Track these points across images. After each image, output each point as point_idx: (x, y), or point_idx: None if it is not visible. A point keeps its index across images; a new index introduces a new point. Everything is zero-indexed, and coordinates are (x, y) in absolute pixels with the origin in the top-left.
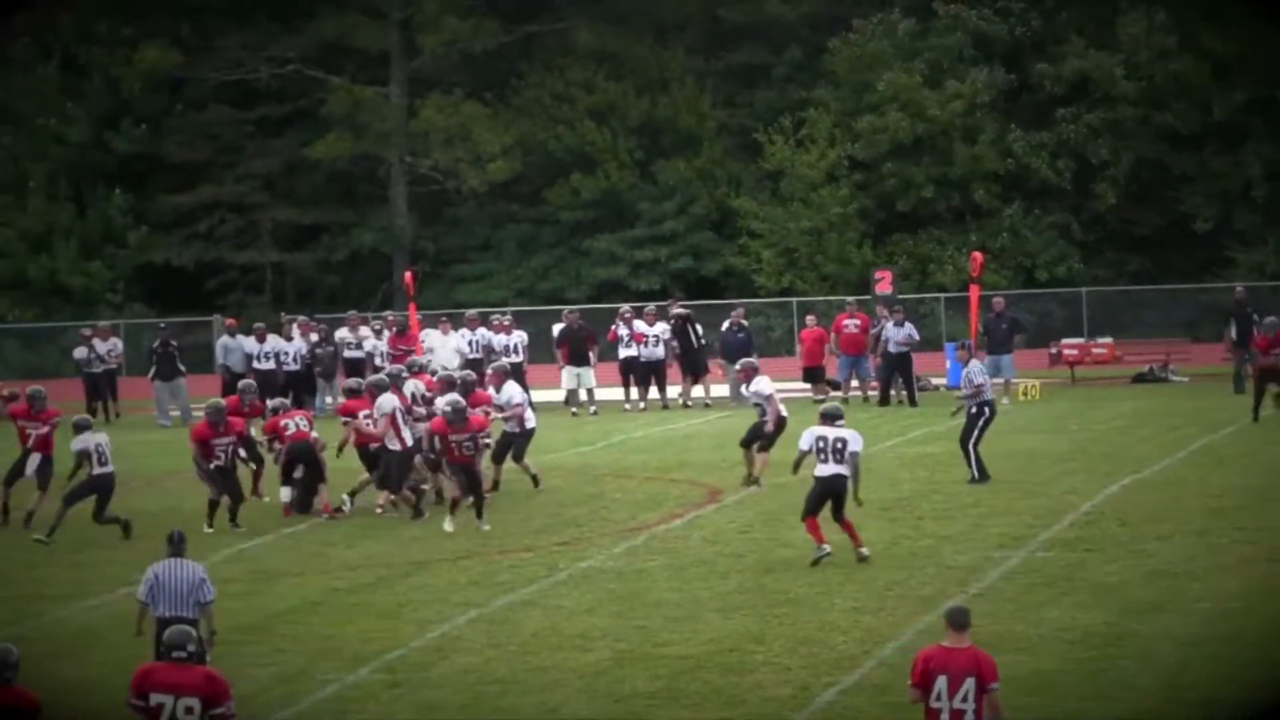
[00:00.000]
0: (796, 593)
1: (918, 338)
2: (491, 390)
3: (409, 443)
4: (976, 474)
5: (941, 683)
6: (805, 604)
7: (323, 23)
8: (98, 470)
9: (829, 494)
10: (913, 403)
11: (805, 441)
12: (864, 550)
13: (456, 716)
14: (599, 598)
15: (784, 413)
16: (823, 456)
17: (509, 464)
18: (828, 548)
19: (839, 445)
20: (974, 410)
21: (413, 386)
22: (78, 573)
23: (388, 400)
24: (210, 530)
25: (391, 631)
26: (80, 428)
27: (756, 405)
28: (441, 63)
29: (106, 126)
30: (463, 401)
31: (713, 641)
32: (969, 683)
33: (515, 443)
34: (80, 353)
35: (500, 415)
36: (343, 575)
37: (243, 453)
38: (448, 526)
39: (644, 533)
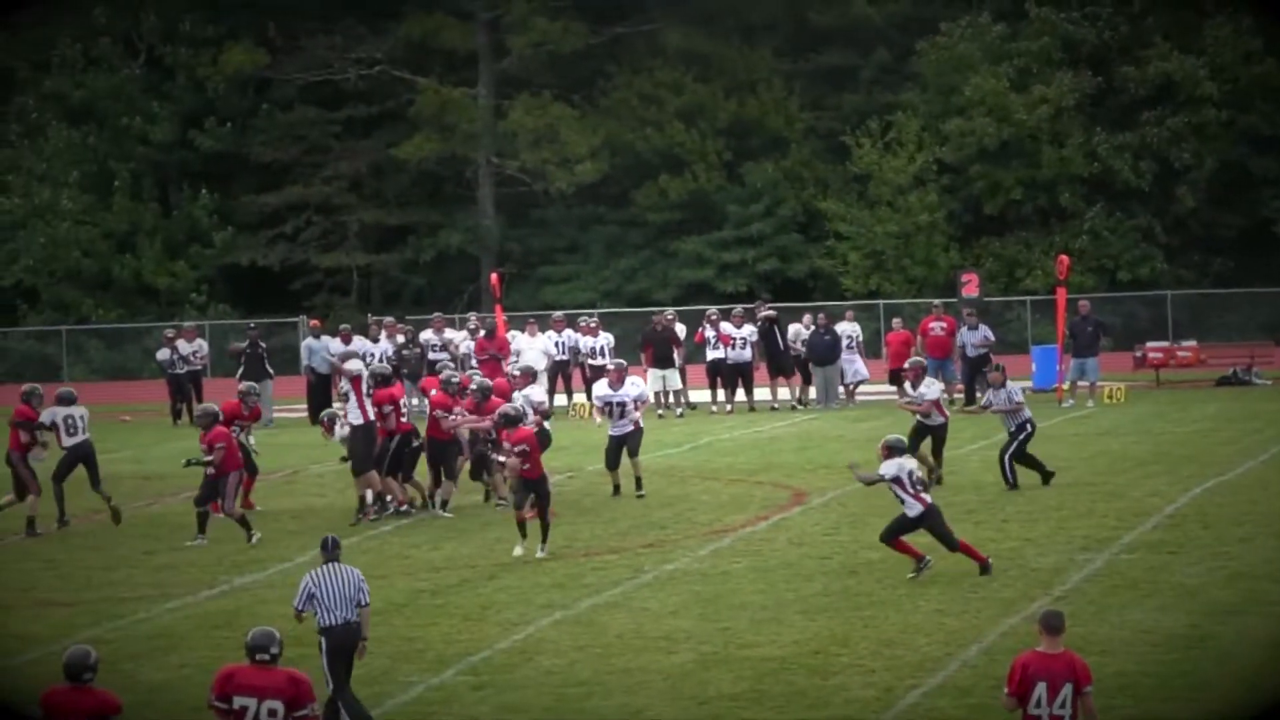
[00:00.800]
0: (880, 595)
1: (993, 339)
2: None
3: (370, 417)
4: (1011, 483)
5: (1041, 689)
6: (889, 606)
7: (410, 23)
8: (68, 441)
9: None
10: (970, 400)
11: (889, 471)
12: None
13: (540, 718)
14: (684, 600)
15: (639, 420)
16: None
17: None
18: (929, 559)
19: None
20: (1014, 428)
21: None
22: (158, 575)
23: (354, 365)
24: (202, 540)
25: (476, 633)
26: (62, 400)
27: (607, 406)
28: (529, 64)
29: (191, 126)
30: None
31: (797, 643)
32: (1067, 689)
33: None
34: (163, 354)
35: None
36: (427, 577)
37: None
38: (517, 551)
39: (729, 535)
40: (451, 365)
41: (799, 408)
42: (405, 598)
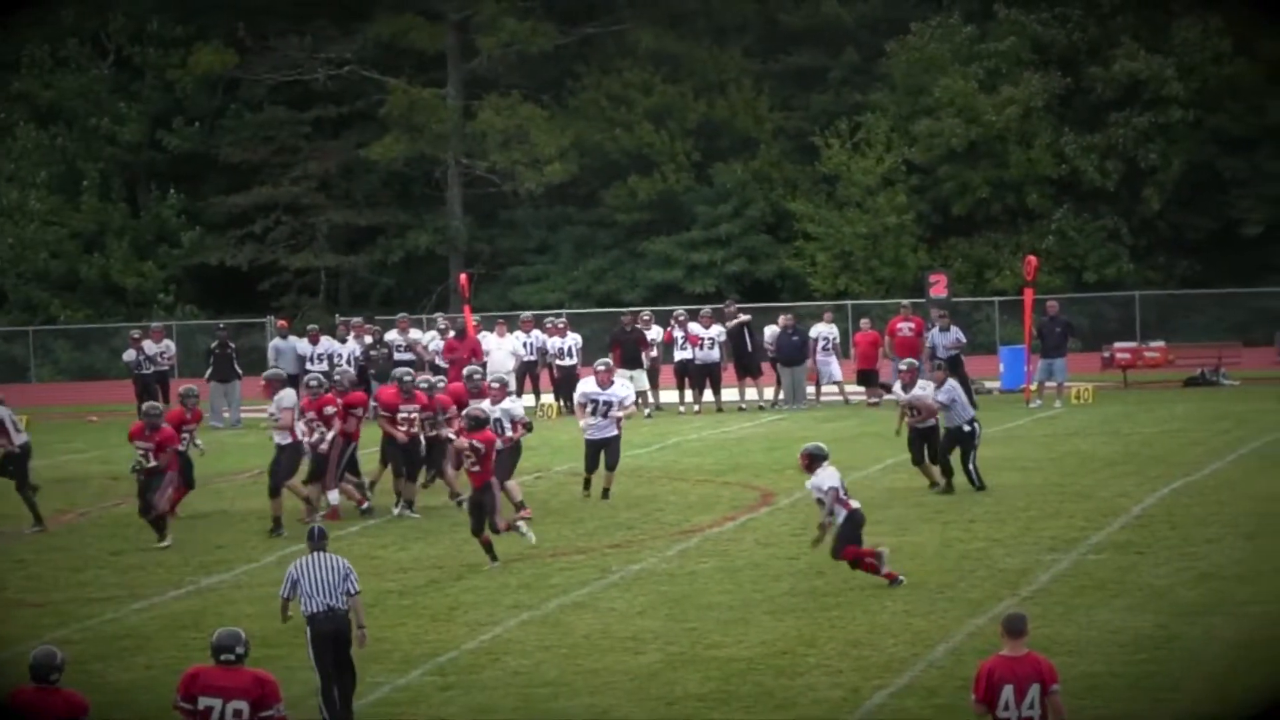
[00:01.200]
0: (847, 596)
1: (965, 341)
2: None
3: (299, 438)
4: (979, 483)
5: (1008, 692)
6: (856, 607)
7: (379, 24)
8: (19, 440)
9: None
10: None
11: (833, 480)
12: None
13: (508, 719)
14: (651, 600)
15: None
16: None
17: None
18: (884, 549)
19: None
20: (967, 429)
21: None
22: (125, 576)
23: (289, 395)
24: (167, 542)
25: (443, 634)
26: None
27: (592, 404)
28: (498, 64)
29: (160, 126)
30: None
31: (764, 644)
32: (1034, 689)
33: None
34: (129, 355)
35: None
36: (394, 577)
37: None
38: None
39: (697, 535)
40: (411, 367)
41: (765, 408)
42: (373, 598)
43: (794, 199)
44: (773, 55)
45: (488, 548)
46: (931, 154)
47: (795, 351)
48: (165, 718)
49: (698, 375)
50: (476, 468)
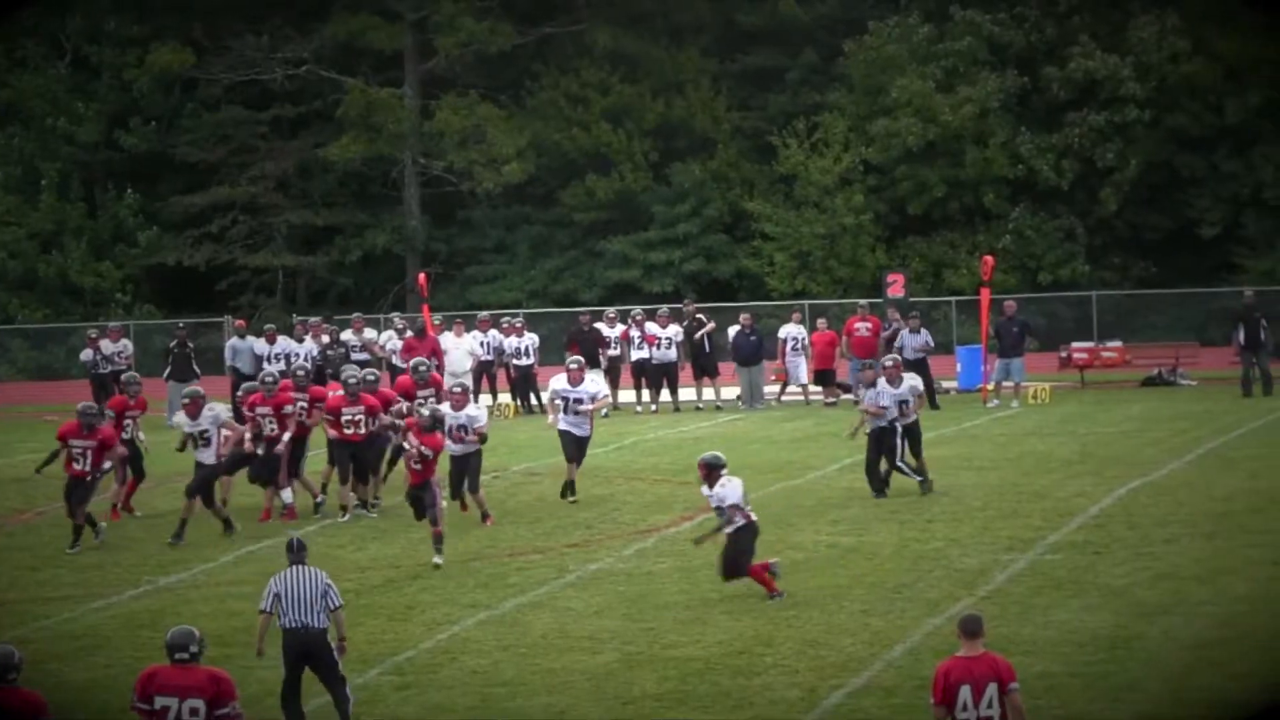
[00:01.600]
0: (804, 595)
1: (933, 344)
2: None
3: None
4: (924, 478)
5: (965, 693)
6: (813, 606)
7: (337, 24)
8: None
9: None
10: (934, 405)
11: (737, 494)
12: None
13: (464, 718)
14: (608, 600)
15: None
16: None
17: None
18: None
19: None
20: (877, 431)
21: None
22: (83, 575)
23: (223, 410)
24: (76, 550)
25: (400, 633)
26: None
27: (564, 401)
28: (456, 64)
29: (117, 126)
30: (441, 414)
31: (721, 644)
32: (991, 689)
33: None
34: (86, 355)
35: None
36: (351, 577)
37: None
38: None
39: (654, 535)
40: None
41: (721, 408)
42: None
43: (752, 199)
44: (730, 55)
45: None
46: (888, 154)
47: (753, 351)
48: (123, 717)
49: (655, 375)
50: (418, 466)
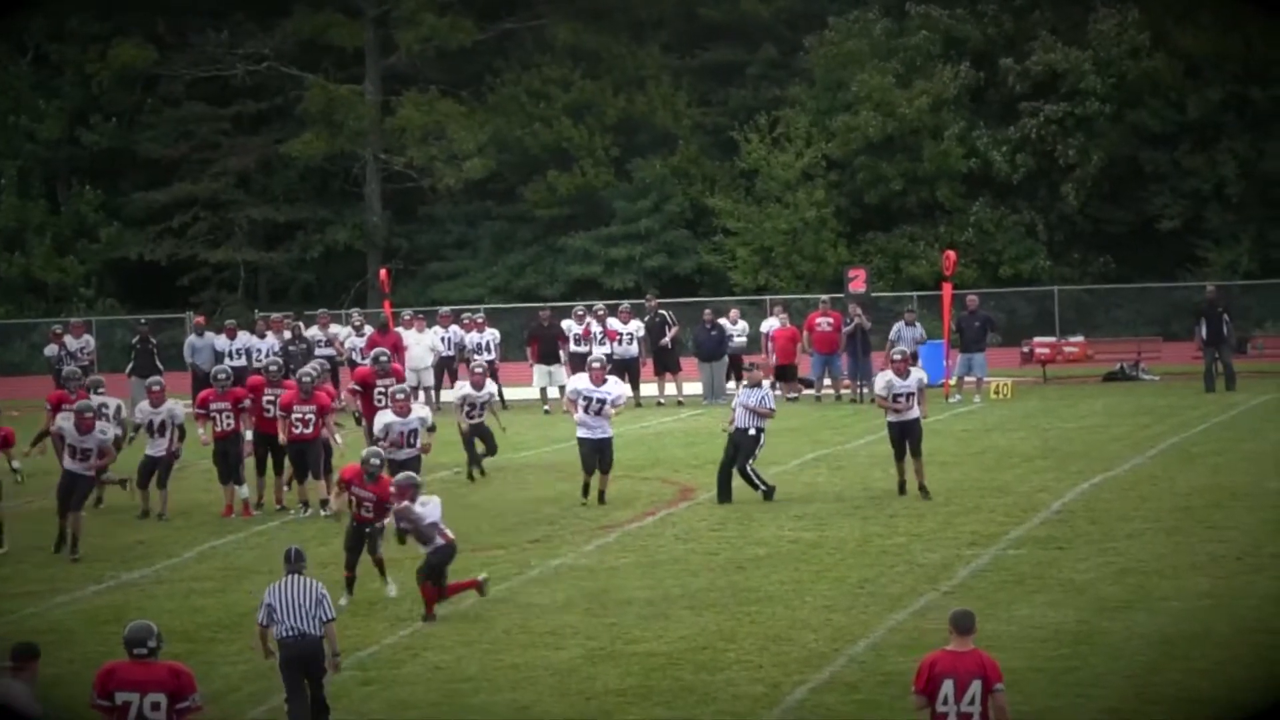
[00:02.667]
0: (768, 590)
1: (925, 338)
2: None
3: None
4: (767, 488)
5: (948, 686)
6: (776, 601)
7: (298, 20)
8: None
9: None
10: None
11: (435, 513)
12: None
13: (428, 714)
14: (570, 595)
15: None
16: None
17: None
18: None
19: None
20: (754, 432)
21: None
22: (47, 570)
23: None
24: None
25: (363, 629)
26: None
27: (586, 401)
28: (417, 60)
29: (78, 123)
30: (383, 456)
31: (684, 639)
32: (975, 685)
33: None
34: (50, 350)
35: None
36: (313, 573)
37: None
38: (342, 601)
39: (616, 530)
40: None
41: (683, 403)
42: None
43: (713, 195)
44: (691, 51)
45: (380, 567)
46: (848, 148)
47: (715, 346)
48: (88, 713)
49: (616, 370)
50: (370, 513)
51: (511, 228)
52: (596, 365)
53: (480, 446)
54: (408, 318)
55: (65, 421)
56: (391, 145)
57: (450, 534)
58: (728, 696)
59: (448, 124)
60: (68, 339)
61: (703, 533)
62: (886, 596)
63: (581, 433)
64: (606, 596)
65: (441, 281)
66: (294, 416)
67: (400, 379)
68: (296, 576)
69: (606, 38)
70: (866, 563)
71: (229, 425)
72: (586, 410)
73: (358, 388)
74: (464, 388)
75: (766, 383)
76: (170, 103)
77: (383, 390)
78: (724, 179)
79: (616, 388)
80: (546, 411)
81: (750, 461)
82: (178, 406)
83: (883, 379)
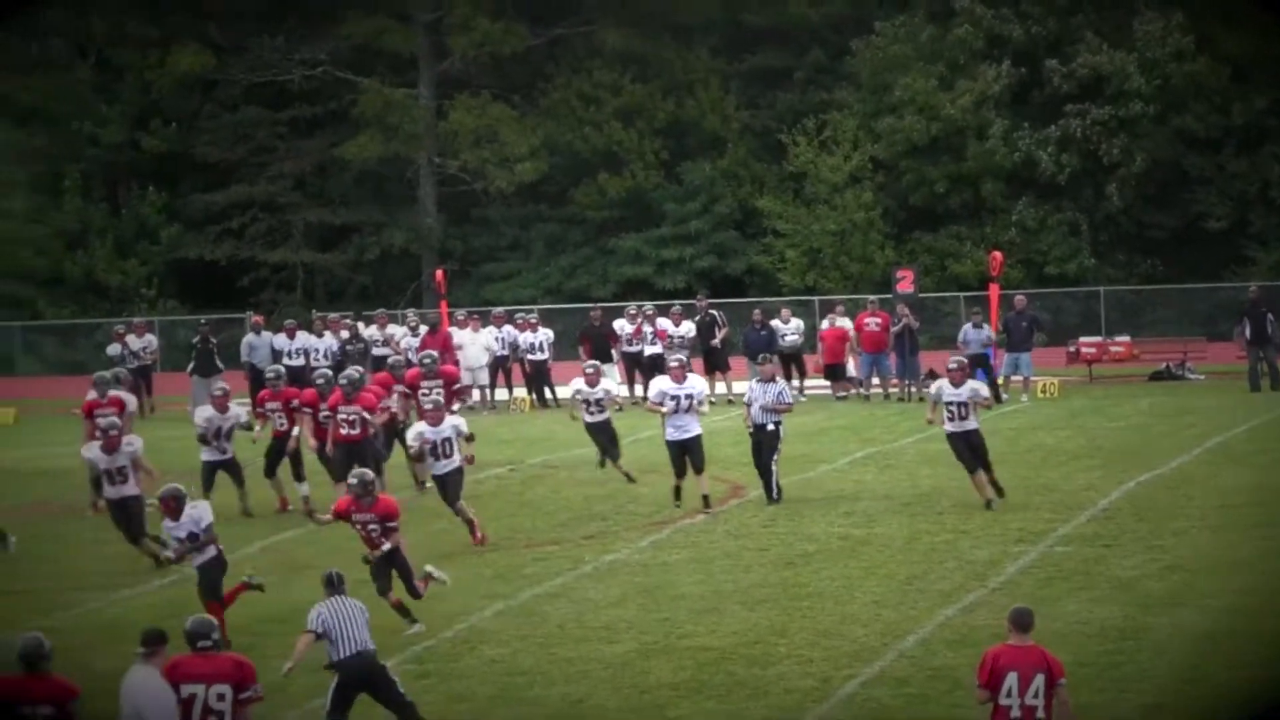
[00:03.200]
0: (818, 586)
1: (995, 339)
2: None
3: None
4: (777, 493)
5: (1012, 679)
6: (827, 597)
7: (353, 25)
8: None
9: None
10: (998, 399)
11: None
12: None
13: (484, 707)
14: (624, 591)
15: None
16: None
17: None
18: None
19: None
20: (772, 428)
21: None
22: (109, 565)
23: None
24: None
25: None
26: None
27: (674, 400)
28: (470, 65)
29: (138, 127)
30: (370, 476)
31: (736, 634)
32: (1039, 679)
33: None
34: (114, 349)
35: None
36: (366, 568)
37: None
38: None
39: (668, 527)
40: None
41: (733, 401)
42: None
43: (761, 196)
44: (739, 55)
45: (400, 610)
46: (894, 150)
47: (764, 346)
48: None
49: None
50: (379, 537)
51: (563, 230)
52: (675, 365)
53: (599, 445)
54: (462, 318)
55: (90, 452)
56: (445, 149)
57: (221, 546)
58: (779, 690)
59: (500, 128)
60: (130, 338)
61: (754, 529)
62: (935, 593)
63: (670, 434)
64: (659, 592)
65: (495, 282)
66: (340, 417)
67: (450, 379)
68: (341, 598)
69: (655, 43)
70: (915, 559)
71: (282, 425)
72: (676, 410)
73: (407, 390)
74: (578, 383)
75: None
76: (228, 107)
77: (426, 391)
78: (772, 181)
79: (699, 384)
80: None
81: (775, 457)
82: (243, 413)
83: (936, 386)
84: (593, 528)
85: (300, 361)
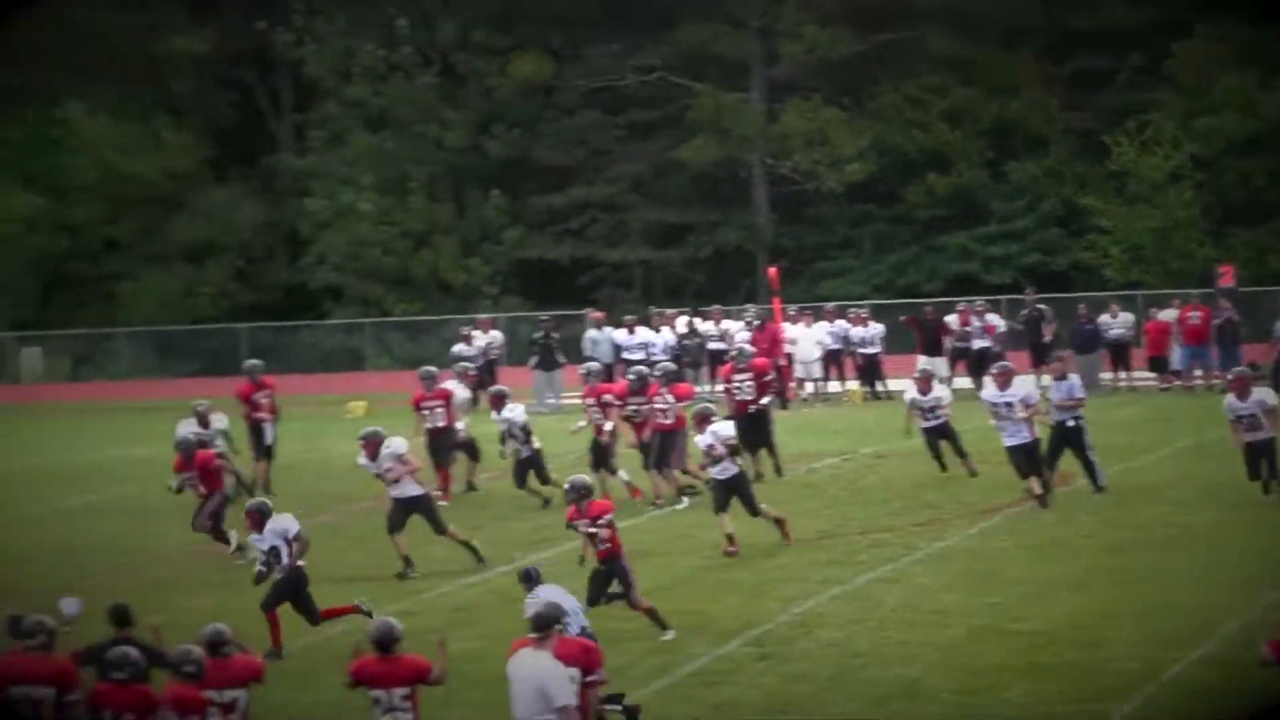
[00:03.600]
0: (1143, 571)
1: None
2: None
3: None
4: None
5: None
6: (1152, 583)
7: (686, 32)
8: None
9: None
10: None
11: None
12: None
13: (821, 687)
14: (955, 576)
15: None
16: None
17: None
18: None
19: None
20: (1072, 424)
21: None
22: (458, 552)
23: (399, 442)
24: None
25: (757, 608)
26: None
27: (995, 409)
28: (800, 69)
29: (481, 132)
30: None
31: (1065, 617)
32: None
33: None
34: (457, 348)
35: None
36: (708, 555)
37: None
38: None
39: (998, 514)
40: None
41: None
42: (688, 574)
43: (1085, 195)
44: (1060, 58)
45: (651, 615)
46: (1213, 148)
47: (1089, 340)
48: (497, 685)
49: (974, 363)
50: (606, 545)
51: (892, 228)
52: (996, 371)
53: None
54: (794, 314)
55: (363, 459)
56: (777, 150)
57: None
58: (1108, 672)
59: (830, 130)
60: (475, 334)
61: (1081, 516)
62: (1256, 580)
63: (1007, 441)
64: (990, 577)
65: (827, 279)
66: (656, 407)
67: (759, 371)
68: (544, 588)
69: (979, 47)
70: (1236, 546)
71: (598, 419)
72: (999, 417)
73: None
74: (911, 392)
75: (1074, 374)
76: (567, 112)
77: (737, 386)
78: (1095, 180)
79: (1023, 387)
80: None
81: (1089, 449)
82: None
83: (1225, 401)
84: (924, 515)
85: (640, 355)
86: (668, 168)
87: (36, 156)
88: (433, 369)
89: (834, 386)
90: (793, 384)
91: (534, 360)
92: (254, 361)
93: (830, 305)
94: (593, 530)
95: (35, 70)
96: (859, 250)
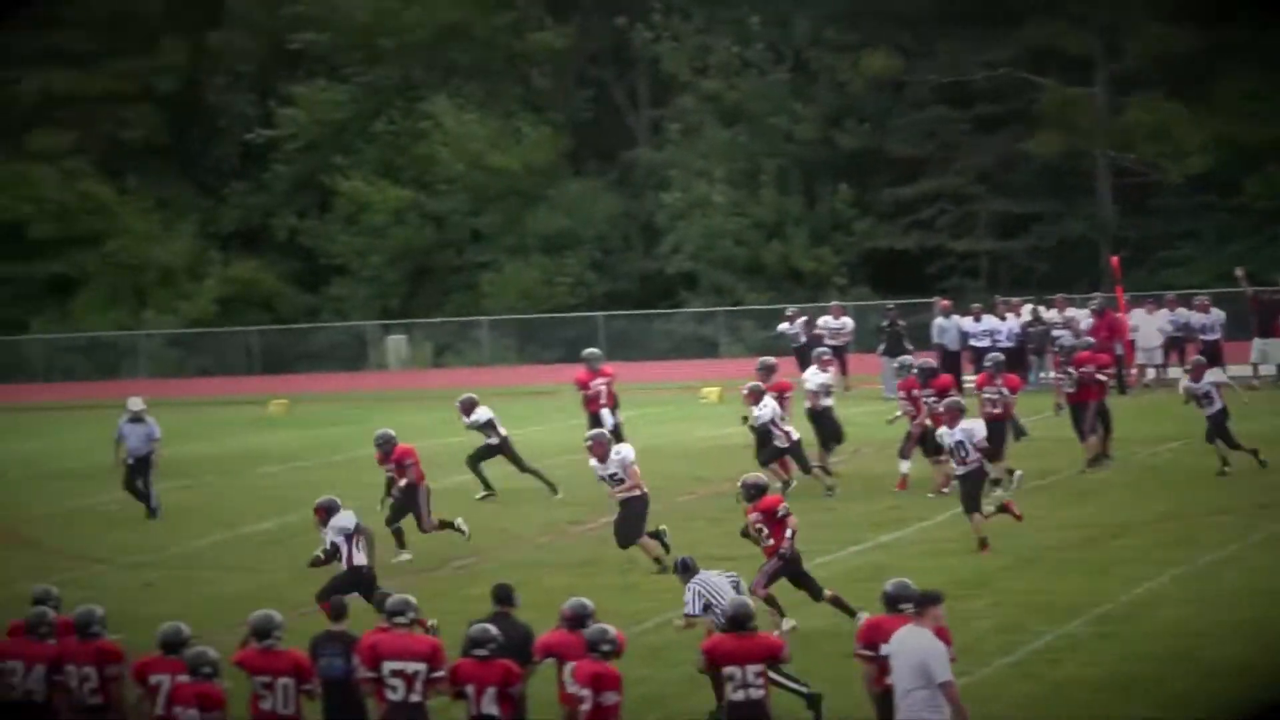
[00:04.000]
0: None
1: None
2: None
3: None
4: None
5: None
6: None
7: (1031, 29)
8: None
9: None
10: None
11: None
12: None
13: (1161, 665)
14: None
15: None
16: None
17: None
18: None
19: None
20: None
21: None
22: (811, 533)
23: (628, 449)
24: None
25: (1099, 587)
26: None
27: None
28: (1142, 64)
29: (832, 125)
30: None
31: None
32: None
33: None
34: (783, 326)
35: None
36: (1053, 534)
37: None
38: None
39: None
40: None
41: None
42: (1033, 554)
43: None
44: None
45: (837, 603)
46: None
47: None
48: (847, 663)
49: None
50: (770, 541)
51: (1233, 218)
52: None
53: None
54: (1134, 301)
55: (593, 462)
56: (1120, 143)
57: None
58: None
59: (1172, 124)
60: (825, 319)
61: None
62: None
63: None
64: None
65: (1170, 269)
66: (984, 396)
67: (1076, 364)
68: (705, 574)
69: None
70: None
71: (908, 411)
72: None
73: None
74: (1184, 380)
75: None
76: (916, 106)
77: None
78: None
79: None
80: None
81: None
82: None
83: None
84: (1265, 498)
85: (985, 343)
86: (1014, 160)
87: (404, 150)
88: (771, 360)
89: (1174, 373)
90: (1134, 370)
91: (882, 347)
92: (592, 350)
93: (1171, 294)
94: (760, 525)
95: (404, 67)
96: (1200, 240)
